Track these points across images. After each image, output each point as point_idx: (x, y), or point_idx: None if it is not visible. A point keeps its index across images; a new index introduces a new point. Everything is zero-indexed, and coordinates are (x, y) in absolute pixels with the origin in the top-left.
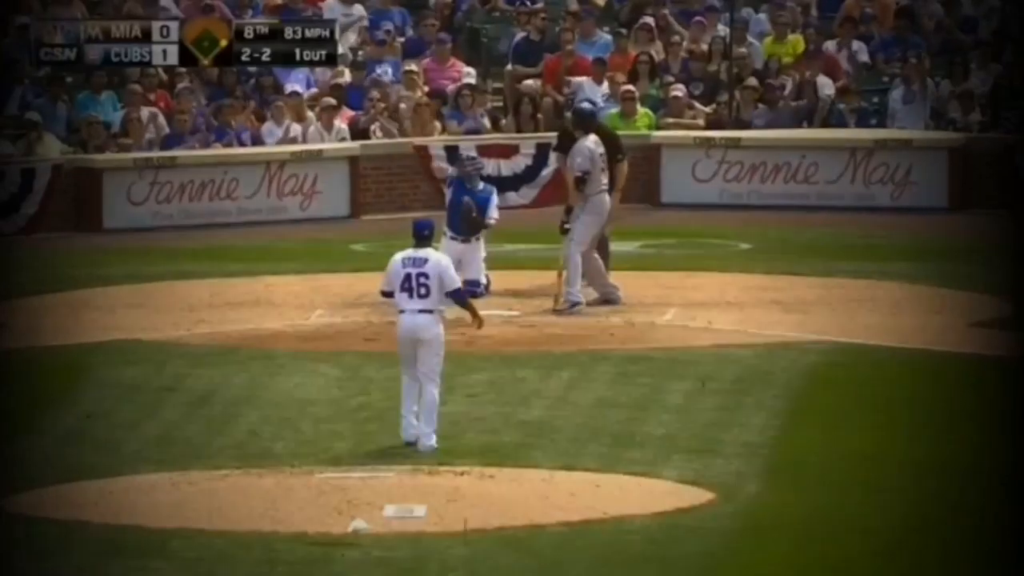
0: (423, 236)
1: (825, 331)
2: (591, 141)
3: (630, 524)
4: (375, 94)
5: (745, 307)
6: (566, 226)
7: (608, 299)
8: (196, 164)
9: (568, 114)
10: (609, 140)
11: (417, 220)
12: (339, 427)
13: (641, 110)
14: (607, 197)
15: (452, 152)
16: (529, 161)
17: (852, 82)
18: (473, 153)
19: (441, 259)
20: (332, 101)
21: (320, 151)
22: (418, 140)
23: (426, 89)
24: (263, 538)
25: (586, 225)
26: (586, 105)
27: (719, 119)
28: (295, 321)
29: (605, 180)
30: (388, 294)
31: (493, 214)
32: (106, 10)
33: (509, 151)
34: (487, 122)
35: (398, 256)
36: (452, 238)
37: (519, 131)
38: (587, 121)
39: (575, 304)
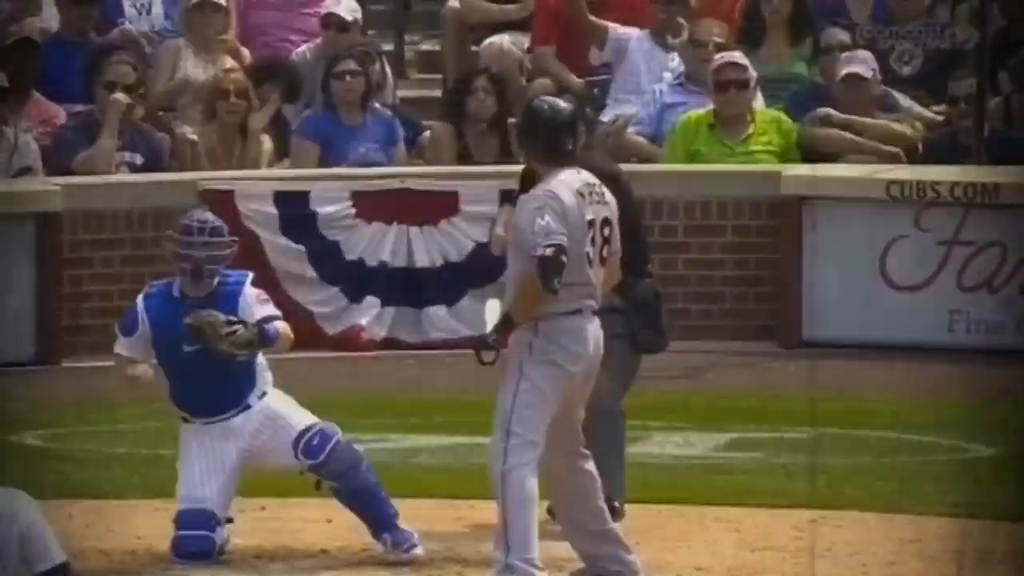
0: None
1: None
2: (567, 184)
3: None
4: None
5: None
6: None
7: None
8: None
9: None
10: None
11: None
12: None
13: (764, 113)
14: (594, 323)
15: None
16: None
17: None
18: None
19: None
20: None
21: None
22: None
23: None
24: None
25: (536, 394)
26: (560, 103)
27: (951, 138)
28: None
29: (594, 278)
30: None
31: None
32: None
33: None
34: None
35: None
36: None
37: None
38: (559, 135)
39: None
